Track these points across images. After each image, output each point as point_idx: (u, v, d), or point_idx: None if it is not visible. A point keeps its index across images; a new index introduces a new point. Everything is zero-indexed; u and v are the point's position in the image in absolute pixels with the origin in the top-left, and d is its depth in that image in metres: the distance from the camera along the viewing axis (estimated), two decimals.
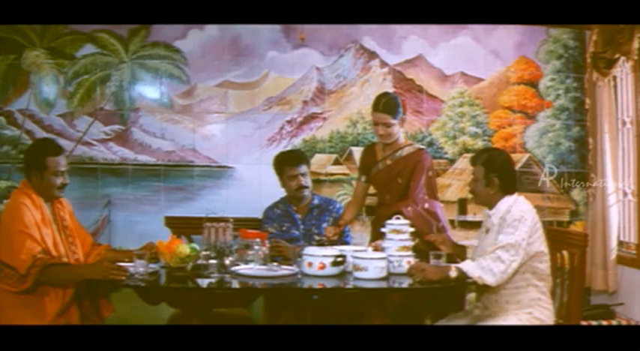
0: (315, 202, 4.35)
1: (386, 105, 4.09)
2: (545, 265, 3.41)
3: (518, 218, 3.34)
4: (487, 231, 3.52)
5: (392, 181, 4.17)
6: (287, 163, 4.25)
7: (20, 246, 3.23)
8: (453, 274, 3.25)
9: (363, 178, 4.34)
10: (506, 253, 3.26)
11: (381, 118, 4.09)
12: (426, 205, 4.12)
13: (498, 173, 3.46)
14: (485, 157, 3.53)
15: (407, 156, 4.18)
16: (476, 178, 3.52)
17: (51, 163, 3.46)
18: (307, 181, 4.28)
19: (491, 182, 3.46)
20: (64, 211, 3.60)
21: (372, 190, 4.43)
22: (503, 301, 3.40)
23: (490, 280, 3.23)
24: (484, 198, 3.53)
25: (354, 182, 5.21)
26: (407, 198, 4.12)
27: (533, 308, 3.38)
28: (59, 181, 3.49)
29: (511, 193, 3.49)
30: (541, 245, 3.40)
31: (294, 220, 4.30)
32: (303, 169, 4.26)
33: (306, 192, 4.29)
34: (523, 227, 3.31)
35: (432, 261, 3.42)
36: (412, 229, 3.67)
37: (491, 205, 3.50)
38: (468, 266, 3.27)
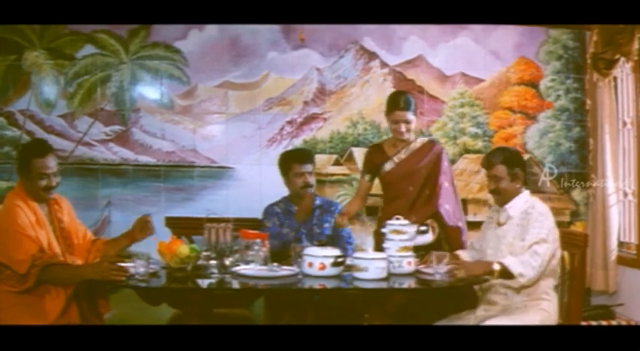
0: (317, 202, 4.35)
1: (406, 102, 4.15)
2: (555, 262, 3.51)
3: (544, 212, 3.50)
4: (499, 224, 3.57)
5: (414, 173, 4.20)
6: (295, 160, 4.28)
7: (17, 247, 3.23)
8: (497, 267, 3.36)
9: (367, 177, 4.36)
10: (540, 246, 3.40)
11: (403, 116, 4.13)
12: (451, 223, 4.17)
13: (521, 166, 3.64)
14: (505, 156, 3.65)
15: (421, 148, 4.25)
16: (500, 177, 3.61)
17: (35, 165, 3.39)
18: (312, 180, 4.31)
19: (516, 176, 3.61)
20: (62, 212, 3.57)
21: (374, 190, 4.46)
22: (514, 291, 3.44)
23: (530, 274, 3.36)
24: (510, 194, 3.63)
25: (354, 183, 5.24)
26: (433, 189, 4.18)
27: (542, 300, 3.45)
28: (43, 183, 3.41)
29: (527, 186, 3.69)
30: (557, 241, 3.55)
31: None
32: (310, 167, 4.30)
33: (311, 191, 4.30)
34: (548, 221, 3.47)
35: (435, 261, 3.42)
36: (411, 230, 3.67)
37: (508, 200, 3.60)
38: (509, 261, 3.37)
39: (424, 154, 4.23)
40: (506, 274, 3.36)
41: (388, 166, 4.26)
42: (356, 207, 4.42)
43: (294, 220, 4.23)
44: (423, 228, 3.85)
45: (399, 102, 4.15)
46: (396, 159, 4.24)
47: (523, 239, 3.46)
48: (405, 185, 4.22)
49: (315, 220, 4.31)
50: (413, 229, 3.74)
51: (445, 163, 4.27)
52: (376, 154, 4.34)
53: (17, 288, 3.25)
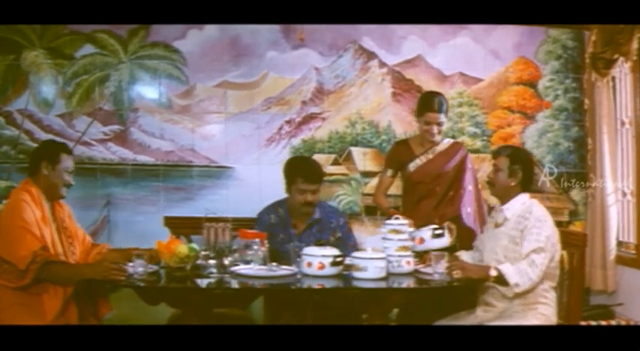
0: (316, 216, 4.08)
1: (439, 104, 4.16)
2: (554, 265, 3.47)
3: (541, 219, 3.43)
4: (496, 225, 3.57)
5: (441, 175, 4.23)
6: (302, 176, 3.97)
7: (20, 242, 3.23)
8: (494, 273, 3.34)
9: (390, 172, 4.37)
10: (539, 256, 3.35)
11: (436, 118, 4.16)
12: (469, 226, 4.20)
13: (523, 166, 3.58)
14: (512, 151, 3.66)
15: (448, 149, 4.28)
16: (499, 168, 3.61)
17: (64, 159, 3.52)
18: (316, 197, 4.03)
19: (514, 173, 3.57)
20: (64, 214, 3.60)
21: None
22: (509, 297, 3.42)
23: (526, 285, 3.33)
24: (502, 189, 3.61)
25: (353, 182, 5.24)
26: (457, 191, 4.22)
27: (540, 304, 3.43)
28: (67, 178, 3.53)
29: (528, 190, 3.60)
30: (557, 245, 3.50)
31: (290, 234, 4.07)
32: (315, 187, 3.99)
33: (310, 208, 4.04)
34: (546, 228, 3.41)
35: (434, 261, 3.42)
36: (411, 230, 3.68)
37: (505, 199, 3.60)
38: (507, 269, 3.33)
39: (451, 156, 4.26)
40: (501, 280, 3.34)
41: (414, 165, 4.27)
42: (385, 203, 4.40)
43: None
44: (438, 231, 3.80)
45: (432, 103, 4.15)
46: (423, 158, 4.26)
47: (517, 244, 3.45)
48: (433, 186, 4.25)
49: (312, 237, 4.03)
50: (428, 232, 3.73)
51: (470, 166, 4.29)
52: (403, 151, 4.34)
53: (15, 283, 3.25)
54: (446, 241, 3.82)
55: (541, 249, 3.35)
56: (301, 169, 4.04)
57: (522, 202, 3.56)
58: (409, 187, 4.35)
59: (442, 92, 5.03)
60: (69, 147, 3.71)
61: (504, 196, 3.61)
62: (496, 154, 3.70)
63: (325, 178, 5.14)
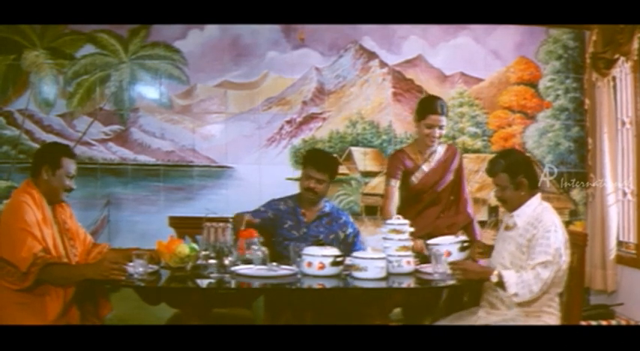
0: (327, 209, 4.19)
1: (442, 107, 4.12)
2: (561, 273, 3.39)
3: (550, 229, 3.31)
4: (507, 228, 3.52)
5: (443, 180, 4.20)
6: (311, 163, 4.10)
7: (21, 244, 3.22)
8: (495, 279, 3.28)
9: (395, 183, 4.20)
10: (546, 269, 3.25)
11: (440, 120, 4.10)
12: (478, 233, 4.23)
13: (524, 173, 3.45)
14: (506, 164, 3.48)
15: (445, 154, 4.25)
16: (503, 186, 3.48)
17: (65, 163, 3.49)
18: (320, 188, 4.09)
19: (520, 184, 3.44)
20: (65, 214, 3.59)
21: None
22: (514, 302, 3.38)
23: (526, 296, 3.26)
24: (516, 202, 3.48)
25: (353, 182, 5.24)
26: (461, 196, 4.23)
27: (543, 314, 3.37)
28: (68, 182, 3.51)
29: (537, 190, 3.49)
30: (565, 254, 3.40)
31: (299, 221, 4.16)
32: (322, 176, 4.07)
33: (312, 196, 4.11)
34: (554, 238, 3.29)
35: (433, 260, 3.42)
36: (412, 229, 3.67)
37: (516, 207, 3.48)
38: (508, 277, 3.26)
39: (450, 161, 4.23)
40: (503, 286, 3.29)
41: (419, 174, 4.21)
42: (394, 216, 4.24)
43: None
44: (466, 244, 3.67)
45: (435, 106, 4.10)
46: (426, 167, 4.21)
47: (523, 253, 3.36)
48: (437, 193, 4.21)
49: (322, 228, 4.14)
50: (456, 246, 3.62)
51: (464, 168, 4.29)
52: (405, 161, 4.22)
53: (17, 285, 3.24)
54: (469, 252, 3.76)
55: (549, 262, 3.25)
56: (312, 156, 4.21)
57: (534, 207, 3.44)
58: (412, 197, 4.25)
59: (442, 92, 5.05)
60: (72, 150, 3.66)
61: (517, 206, 3.49)
62: (492, 173, 3.54)
63: None
